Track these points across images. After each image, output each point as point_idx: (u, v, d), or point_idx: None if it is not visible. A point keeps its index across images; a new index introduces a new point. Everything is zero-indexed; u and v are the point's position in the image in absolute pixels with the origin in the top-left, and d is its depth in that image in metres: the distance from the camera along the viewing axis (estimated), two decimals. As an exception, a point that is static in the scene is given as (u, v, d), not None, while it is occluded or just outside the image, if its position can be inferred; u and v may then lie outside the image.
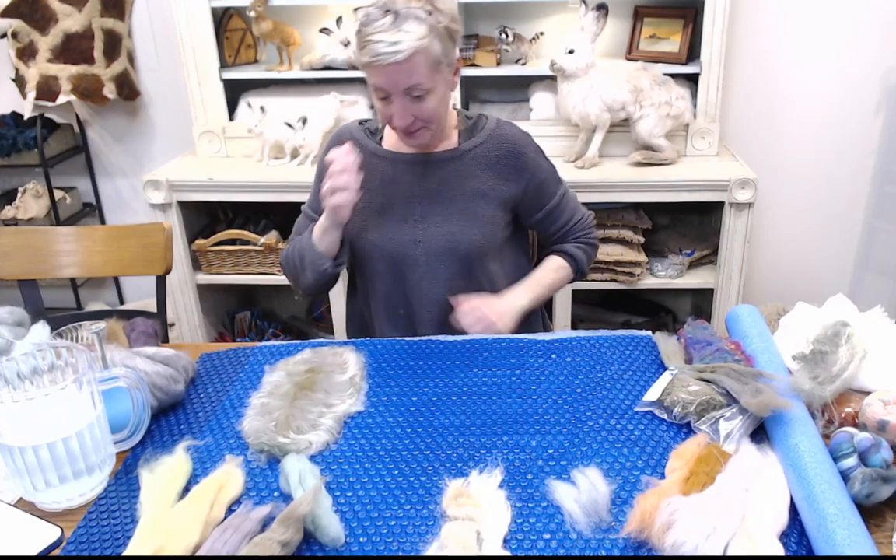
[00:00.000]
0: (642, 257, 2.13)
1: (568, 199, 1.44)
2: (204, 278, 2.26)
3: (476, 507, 0.81)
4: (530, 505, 0.84)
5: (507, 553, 0.77)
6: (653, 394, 1.01)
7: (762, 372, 0.97)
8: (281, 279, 2.21)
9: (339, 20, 2.17)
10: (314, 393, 1.03)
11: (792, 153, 2.40)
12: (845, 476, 0.81)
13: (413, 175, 1.35)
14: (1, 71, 2.46)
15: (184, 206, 2.17)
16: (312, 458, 0.92)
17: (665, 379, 1.02)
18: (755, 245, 2.46)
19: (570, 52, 1.99)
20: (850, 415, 0.93)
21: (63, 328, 1.26)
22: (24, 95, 2.36)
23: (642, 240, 2.15)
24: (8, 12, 2.26)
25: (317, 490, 0.81)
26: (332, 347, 1.17)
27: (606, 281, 2.16)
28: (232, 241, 2.21)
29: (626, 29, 2.29)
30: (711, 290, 2.17)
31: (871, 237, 2.44)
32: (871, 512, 0.80)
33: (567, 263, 1.45)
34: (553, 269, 1.44)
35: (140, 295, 2.78)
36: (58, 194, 2.53)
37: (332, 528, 0.78)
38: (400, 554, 0.78)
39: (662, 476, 0.87)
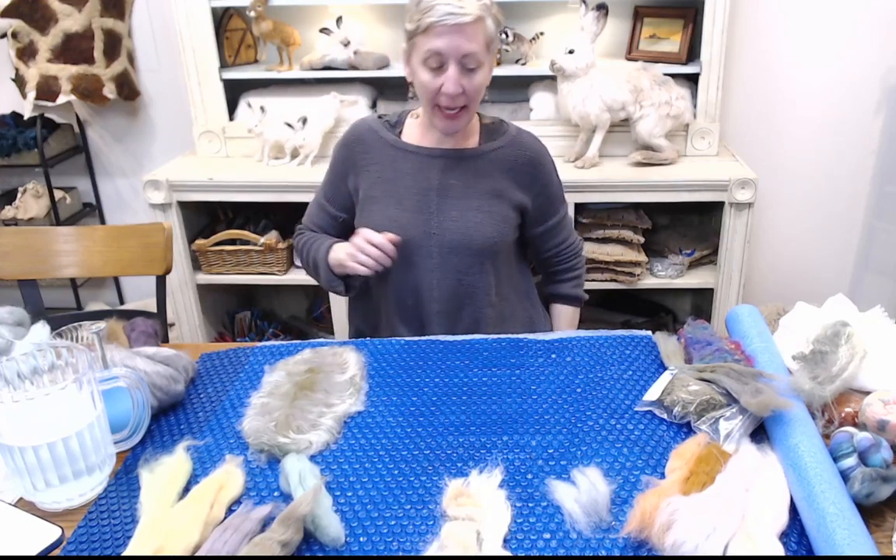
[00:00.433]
0: (642, 257, 2.13)
1: (567, 220, 1.52)
2: (204, 278, 2.25)
3: (476, 506, 0.81)
4: (530, 505, 0.84)
5: (507, 553, 0.77)
6: (653, 394, 1.01)
7: (762, 372, 0.97)
8: (281, 279, 2.22)
9: (339, 20, 2.17)
10: (314, 393, 1.03)
11: (792, 153, 2.40)
12: (845, 476, 0.81)
13: (433, 169, 1.38)
14: (1, 71, 2.46)
15: (184, 206, 2.16)
16: (312, 458, 0.92)
17: (665, 379, 1.02)
18: (755, 245, 2.46)
19: (570, 52, 1.99)
20: (849, 415, 0.93)
21: (63, 328, 1.26)
22: (24, 95, 2.36)
23: (642, 240, 2.15)
24: (8, 12, 2.26)
25: (317, 490, 0.81)
26: (332, 347, 1.17)
27: (606, 281, 2.15)
28: (232, 241, 2.21)
29: (626, 29, 2.29)
30: (711, 290, 2.16)
31: (871, 237, 2.44)
32: (871, 512, 0.80)
33: (574, 306, 1.58)
34: (569, 322, 1.58)
35: (140, 295, 2.78)
36: (58, 194, 2.53)
37: (333, 528, 0.78)
38: (400, 554, 0.78)
39: (662, 476, 0.87)
